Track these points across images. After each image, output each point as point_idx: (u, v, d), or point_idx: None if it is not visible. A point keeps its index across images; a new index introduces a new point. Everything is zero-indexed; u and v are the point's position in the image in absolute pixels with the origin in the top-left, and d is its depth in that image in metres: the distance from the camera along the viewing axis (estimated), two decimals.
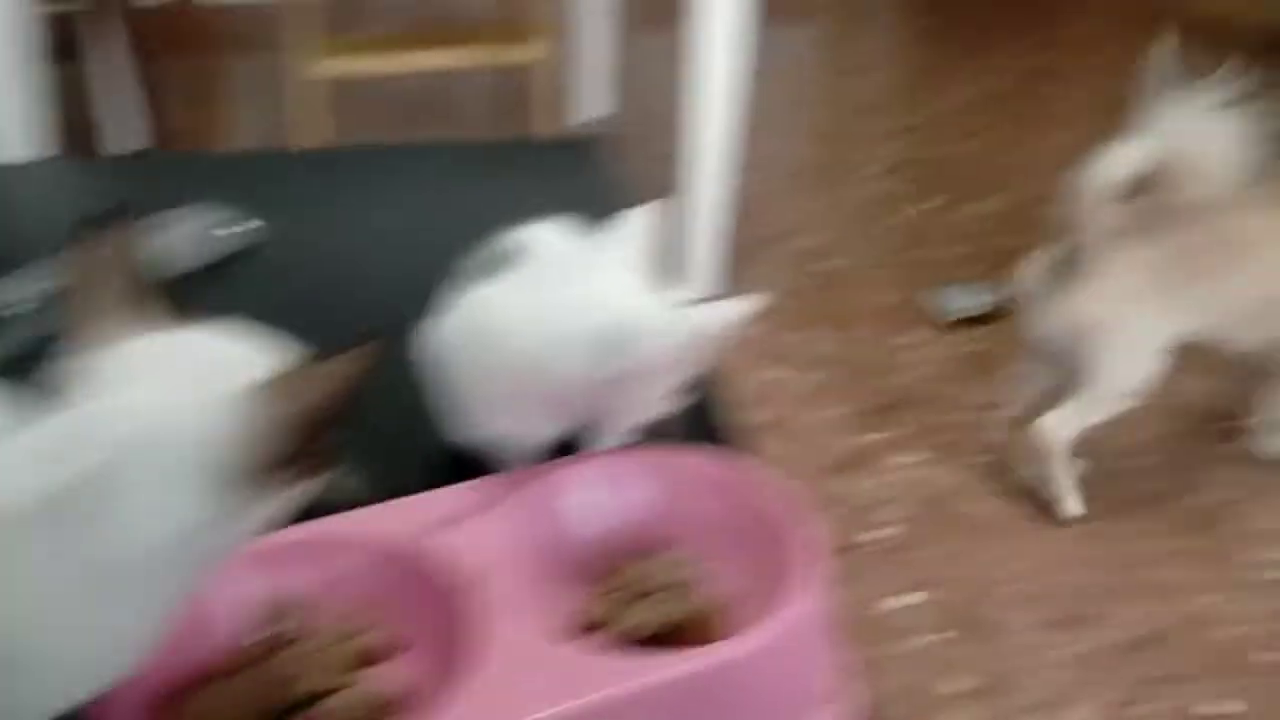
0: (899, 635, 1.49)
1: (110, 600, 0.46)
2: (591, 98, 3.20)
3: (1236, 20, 3.60)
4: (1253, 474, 1.80)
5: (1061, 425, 1.64)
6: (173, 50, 3.10)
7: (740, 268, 2.34)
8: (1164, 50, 1.40)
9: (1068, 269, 1.53)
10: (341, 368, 0.49)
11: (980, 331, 2.18)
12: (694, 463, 0.72)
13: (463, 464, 0.74)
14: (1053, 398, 1.67)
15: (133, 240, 0.52)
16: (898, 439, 1.88)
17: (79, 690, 0.48)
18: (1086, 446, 1.79)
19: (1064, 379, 1.64)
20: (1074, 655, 1.46)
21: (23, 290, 1.03)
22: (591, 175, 1.38)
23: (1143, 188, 1.44)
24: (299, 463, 0.50)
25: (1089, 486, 1.75)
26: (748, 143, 2.25)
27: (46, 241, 1.13)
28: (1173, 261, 1.51)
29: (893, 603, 1.55)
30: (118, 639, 0.48)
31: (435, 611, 0.63)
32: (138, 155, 2.50)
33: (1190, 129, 1.40)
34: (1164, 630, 1.50)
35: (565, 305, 0.67)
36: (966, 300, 2.22)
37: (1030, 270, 1.60)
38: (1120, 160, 1.43)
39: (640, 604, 0.64)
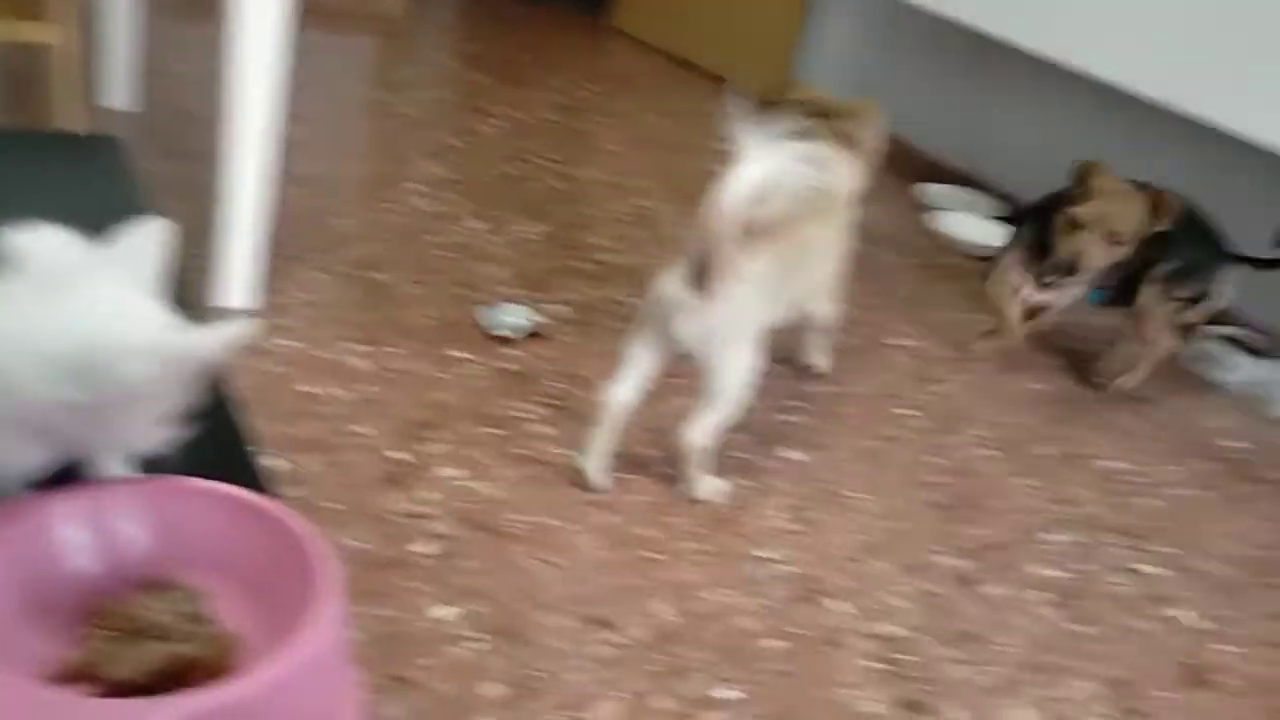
0: (438, 647, 1.50)
1: None
2: (115, 88, 2.94)
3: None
4: (757, 479, 2.01)
5: (703, 433, 1.86)
6: None
7: (284, 279, 2.25)
8: (729, 95, 1.59)
9: (698, 281, 1.71)
10: None
11: (521, 349, 2.25)
12: (201, 492, 0.68)
13: None
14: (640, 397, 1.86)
15: None
16: (442, 453, 1.89)
17: None
18: (624, 459, 1.91)
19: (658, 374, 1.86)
20: (600, 656, 1.54)
21: None
22: (108, 171, 1.27)
23: (750, 206, 1.66)
24: None
25: (620, 493, 1.87)
26: (294, 153, 2.17)
27: None
28: (772, 268, 1.79)
29: (433, 615, 1.55)
30: None
31: None
32: None
33: (770, 157, 1.62)
34: (680, 626, 1.63)
35: (41, 324, 0.61)
36: (508, 319, 2.29)
37: (665, 282, 1.76)
38: (744, 182, 1.62)
39: (135, 644, 0.59)
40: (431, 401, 2.02)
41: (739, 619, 1.67)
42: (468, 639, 1.53)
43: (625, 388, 1.85)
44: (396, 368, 2.11)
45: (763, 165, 1.63)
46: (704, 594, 1.71)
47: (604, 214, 3.01)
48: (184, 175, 2.26)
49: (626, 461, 1.94)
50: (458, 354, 2.19)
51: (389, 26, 4.34)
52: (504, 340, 2.26)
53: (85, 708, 0.53)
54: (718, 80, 4.22)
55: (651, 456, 1.97)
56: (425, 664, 1.47)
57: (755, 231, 1.71)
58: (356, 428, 1.91)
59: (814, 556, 1.85)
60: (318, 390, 1.98)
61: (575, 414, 2.05)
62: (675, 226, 1.68)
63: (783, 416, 2.23)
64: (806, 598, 1.75)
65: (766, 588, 1.75)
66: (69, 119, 2.64)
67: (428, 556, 1.66)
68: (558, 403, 2.10)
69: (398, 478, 1.81)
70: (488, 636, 1.54)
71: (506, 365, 2.19)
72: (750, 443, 2.09)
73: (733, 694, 1.53)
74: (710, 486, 1.92)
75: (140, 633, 0.60)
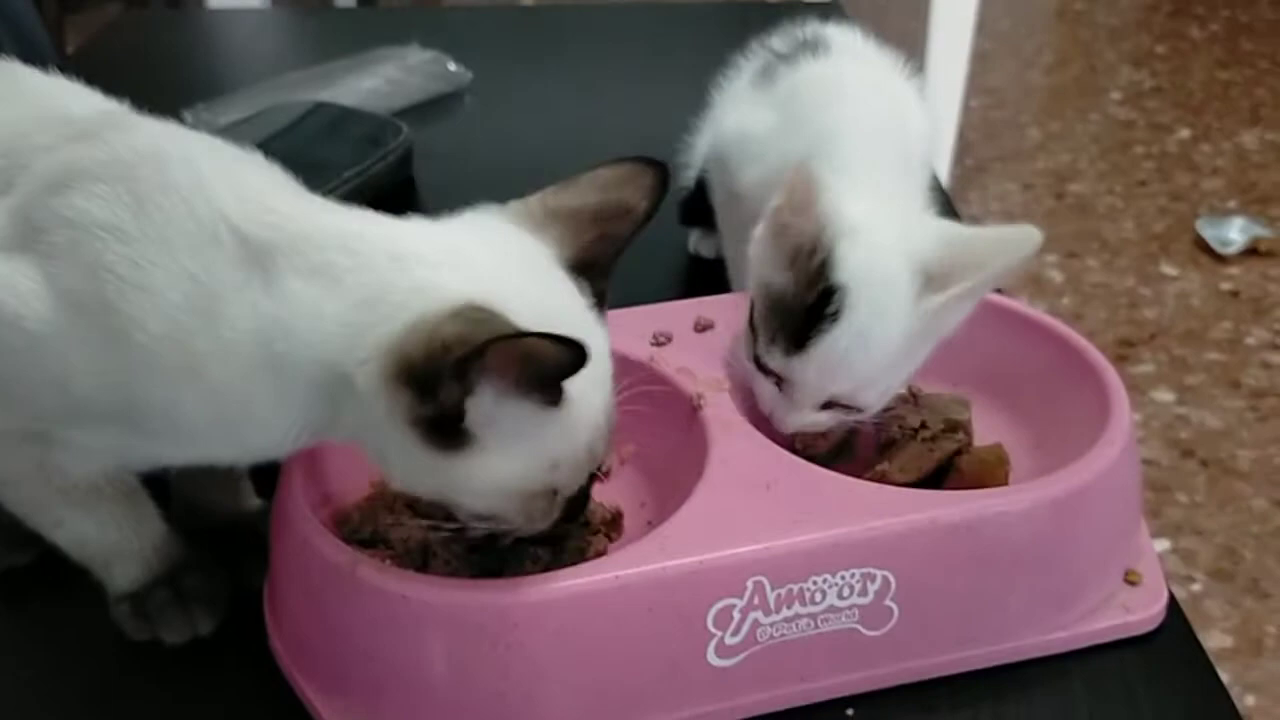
0: None
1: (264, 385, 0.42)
2: None
3: None
4: None
5: None
6: None
7: (972, 189, 2.18)
8: None
9: None
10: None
11: (1243, 267, 1.95)
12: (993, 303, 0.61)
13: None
14: None
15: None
16: (1150, 374, 1.69)
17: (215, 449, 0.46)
18: None
19: None
20: None
21: (236, 111, 1.00)
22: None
23: None
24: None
25: None
26: (978, 65, 2.07)
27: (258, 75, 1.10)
28: None
29: None
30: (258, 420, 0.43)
31: (669, 425, 0.55)
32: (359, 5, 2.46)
33: None
34: None
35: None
36: (1226, 233, 2.00)
37: None
38: None
39: (911, 444, 0.55)
40: (1137, 319, 1.82)
41: None
42: (1180, 577, 1.34)
43: None
44: (1095, 281, 1.93)
45: None
46: None
47: None
48: None
49: None
50: (1167, 270, 1.95)
51: None
52: (1221, 258, 1.97)
53: (880, 492, 0.50)
54: None
55: None
56: None
57: None
58: None
59: None
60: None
61: None
62: None
63: None
64: None
65: None
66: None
67: None
68: None
69: None
70: (1204, 578, 1.34)
71: (1228, 285, 1.91)
72: None
73: None
74: None
75: (909, 433, 0.56)
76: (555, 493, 0.44)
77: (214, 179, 0.42)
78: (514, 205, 0.47)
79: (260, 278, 0.41)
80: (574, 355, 0.38)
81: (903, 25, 1.99)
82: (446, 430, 0.40)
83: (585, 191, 0.47)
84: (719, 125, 0.71)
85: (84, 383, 0.42)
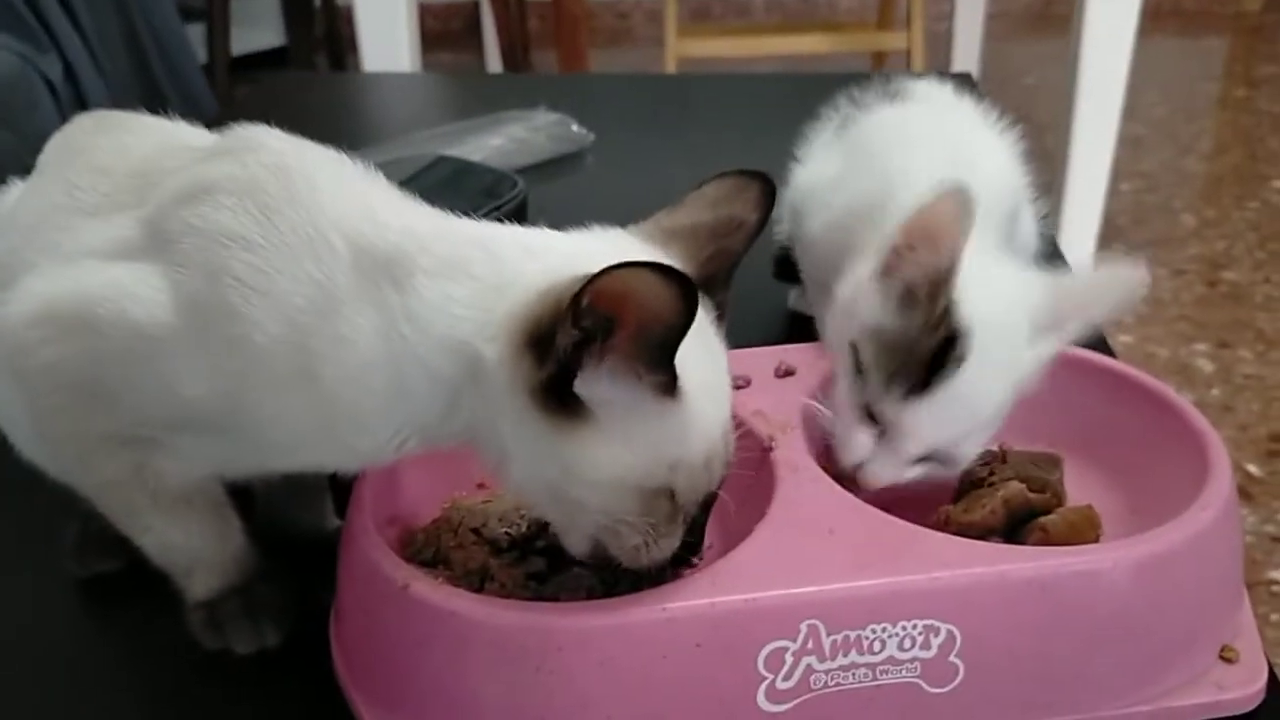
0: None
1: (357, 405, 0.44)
2: None
3: None
4: None
5: None
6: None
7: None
8: None
9: None
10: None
11: None
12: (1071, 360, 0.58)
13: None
14: None
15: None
16: None
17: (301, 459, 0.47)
18: None
19: None
20: None
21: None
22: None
23: None
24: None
25: None
26: (1129, 149, 2.00)
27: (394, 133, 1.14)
28: None
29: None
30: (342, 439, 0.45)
31: (742, 467, 0.53)
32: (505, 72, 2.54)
33: None
34: None
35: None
36: None
37: None
38: None
39: (983, 494, 0.52)
40: None
41: None
42: None
43: None
44: (1248, 373, 1.83)
45: None
46: None
47: None
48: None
49: None
50: None
51: (1246, 23, 3.91)
52: None
53: (947, 542, 0.48)
54: None
55: None
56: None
57: None
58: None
59: None
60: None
61: None
62: None
63: None
64: None
65: None
66: None
67: None
68: None
69: (1248, 492, 1.55)
70: None
71: None
72: None
73: None
74: None
75: (978, 483, 0.53)
76: (674, 496, 0.43)
77: (334, 193, 0.45)
78: (634, 227, 0.49)
79: (387, 278, 0.43)
80: (685, 294, 0.38)
81: (1049, 109, 1.97)
82: (562, 395, 0.41)
83: (698, 210, 0.48)
84: (794, 176, 0.71)
85: (195, 387, 0.44)
